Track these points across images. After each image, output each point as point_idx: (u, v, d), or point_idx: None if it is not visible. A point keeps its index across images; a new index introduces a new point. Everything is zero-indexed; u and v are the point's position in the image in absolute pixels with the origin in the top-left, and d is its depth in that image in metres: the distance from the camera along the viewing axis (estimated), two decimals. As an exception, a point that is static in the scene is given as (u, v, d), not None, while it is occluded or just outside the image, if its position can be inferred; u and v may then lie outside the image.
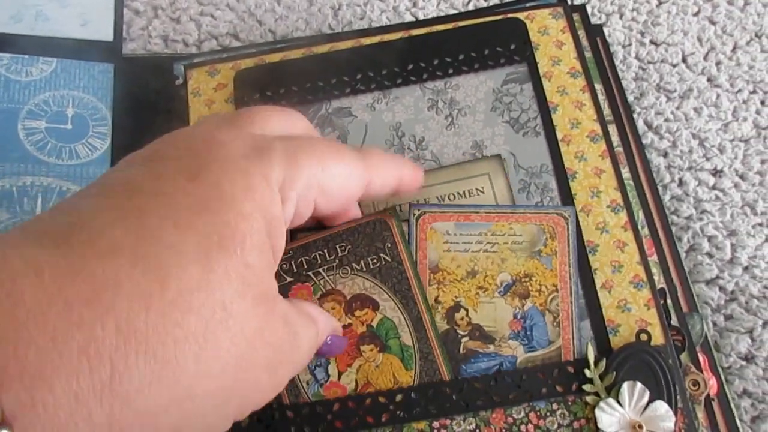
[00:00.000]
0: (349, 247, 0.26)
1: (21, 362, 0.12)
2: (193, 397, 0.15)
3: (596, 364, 0.25)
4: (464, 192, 0.28)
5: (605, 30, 0.36)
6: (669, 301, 0.27)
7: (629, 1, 0.38)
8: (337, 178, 0.20)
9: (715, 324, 0.30)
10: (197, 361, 0.14)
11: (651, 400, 0.24)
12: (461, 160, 0.29)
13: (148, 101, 0.33)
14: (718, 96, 0.35)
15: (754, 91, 0.35)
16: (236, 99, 0.32)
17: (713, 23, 0.37)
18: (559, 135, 0.29)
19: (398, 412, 0.25)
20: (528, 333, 0.26)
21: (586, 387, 0.25)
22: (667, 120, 0.34)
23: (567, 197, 0.28)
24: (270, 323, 0.17)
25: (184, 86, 0.32)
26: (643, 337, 0.25)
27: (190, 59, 0.33)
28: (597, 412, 0.24)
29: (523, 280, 0.26)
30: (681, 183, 0.33)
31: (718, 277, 0.31)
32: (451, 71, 0.31)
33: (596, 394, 0.24)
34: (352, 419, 0.25)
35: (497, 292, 0.26)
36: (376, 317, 0.26)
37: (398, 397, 0.25)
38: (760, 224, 0.32)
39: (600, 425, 0.24)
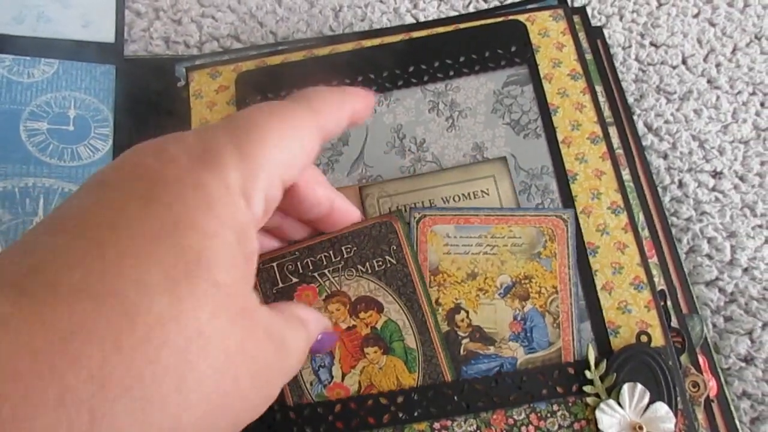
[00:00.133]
0: (355, 249, 0.26)
1: None
2: (181, 427, 0.14)
3: (597, 365, 0.25)
4: (469, 194, 0.28)
5: (605, 32, 0.36)
6: (669, 303, 0.27)
7: (629, 3, 0.38)
8: (294, 149, 0.19)
9: (714, 325, 0.30)
10: (179, 392, 0.14)
11: (651, 402, 0.24)
12: (462, 161, 0.29)
13: (150, 102, 0.33)
14: (717, 98, 0.35)
15: (753, 93, 0.35)
16: (238, 101, 0.32)
17: (713, 25, 0.37)
18: (560, 137, 0.29)
19: (399, 414, 0.25)
20: (528, 334, 0.26)
21: (587, 388, 0.25)
22: (667, 122, 0.35)
23: (567, 199, 0.28)
24: (251, 337, 0.16)
25: (186, 88, 0.32)
26: (644, 338, 0.25)
27: (191, 61, 0.33)
28: (597, 413, 0.24)
29: (522, 282, 0.27)
30: (681, 184, 0.33)
31: (717, 278, 0.31)
32: (451, 73, 0.31)
33: (597, 395, 0.25)
34: (353, 420, 0.25)
35: (497, 294, 0.26)
36: (381, 319, 0.26)
37: (399, 399, 0.25)
38: (760, 226, 0.32)
39: (600, 426, 0.24)
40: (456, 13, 0.37)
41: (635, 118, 0.34)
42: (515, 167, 0.29)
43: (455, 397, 0.25)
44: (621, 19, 0.37)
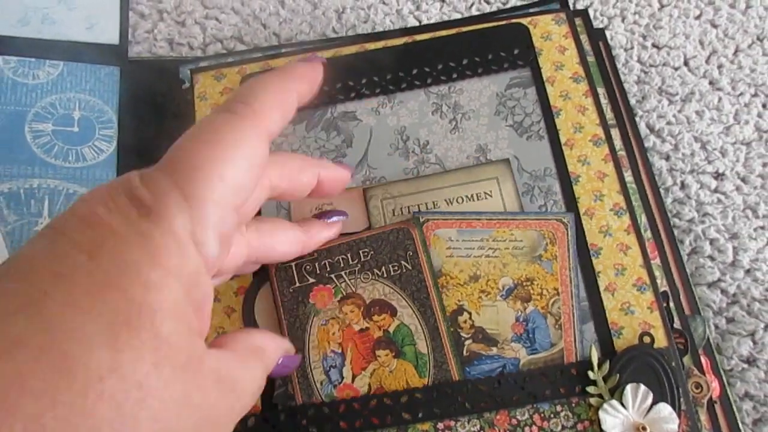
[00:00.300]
0: (372, 253, 0.26)
1: None
2: None
3: (600, 366, 0.25)
4: (472, 195, 0.28)
5: (607, 33, 0.36)
6: (671, 304, 0.27)
7: (631, 5, 0.38)
8: (241, 170, 0.18)
9: (716, 327, 0.30)
10: None
11: (654, 402, 0.24)
12: (465, 163, 0.29)
13: (154, 104, 0.33)
14: (719, 99, 0.35)
15: (755, 95, 0.35)
16: (241, 102, 0.32)
17: (715, 26, 0.37)
18: (563, 139, 0.29)
19: (403, 414, 0.25)
20: (530, 335, 0.26)
21: (590, 389, 0.25)
22: (669, 123, 0.35)
23: (570, 201, 0.28)
24: (197, 386, 0.16)
25: (190, 90, 0.33)
26: (647, 339, 0.25)
27: (195, 62, 0.34)
28: (600, 413, 0.24)
29: (524, 283, 0.27)
30: (683, 186, 0.33)
31: (719, 280, 0.31)
32: (455, 76, 0.31)
33: (600, 396, 0.25)
34: (357, 420, 0.25)
35: (499, 296, 0.27)
36: (394, 323, 0.26)
37: (403, 399, 0.25)
38: (762, 227, 0.32)
39: (604, 427, 0.24)
40: (459, 16, 0.38)
41: (637, 119, 0.35)
42: (518, 169, 0.29)
43: (459, 398, 0.25)
44: (623, 20, 0.37)
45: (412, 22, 0.38)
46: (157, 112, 0.33)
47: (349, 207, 0.29)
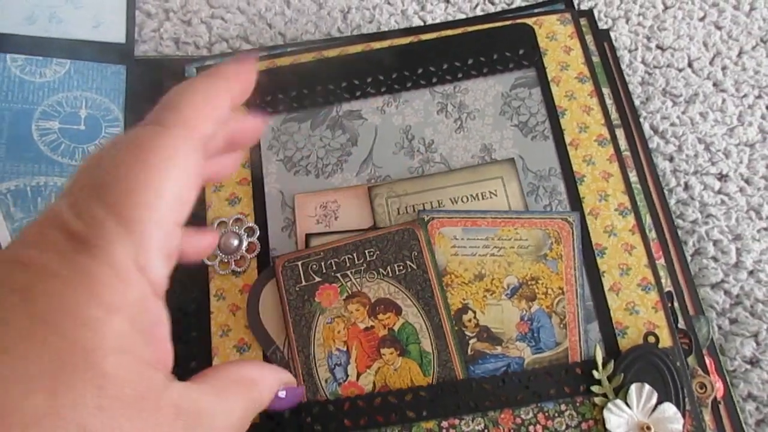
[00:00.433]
0: (378, 252, 0.27)
1: None
2: None
3: (604, 365, 0.25)
4: (477, 195, 0.28)
5: (611, 34, 0.36)
6: (676, 304, 0.27)
7: (635, 6, 0.38)
8: (179, 184, 0.17)
9: (720, 328, 0.30)
10: None
11: (659, 402, 0.24)
12: (470, 163, 0.29)
13: (160, 103, 0.33)
14: (723, 101, 0.35)
15: (759, 96, 0.35)
16: (248, 102, 0.32)
17: (719, 28, 0.37)
18: (567, 139, 0.29)
19: (408, 412, 0.25)
20: (535, 335, 0.26)
21: (595, 388, 0.25)
22: (672, 124, 0.35)
23: (575, 200, 0.28)
24: (155, 422, 0.15)
25: (195, 88, 0.33)
26: (651, 339, 0.26)
27: (201, 61, 0.34)
28: (605, 413, 0.24)
29: (529, 283, 0.27)
30: (686, 187, 0.33)
31: (723, 280, 0.31)
32: (460, 75, 0.31)
33: (604, 395, 0.25)
34: (362, 418, 0.25)
35: (504, 295, 0.27)
36: (398, 322, 0.26)
37: (407, 397, 0.25)
38: (766, 229, 0.32)
39: (608, 426, 0.24)
40: (463, 16, 0.38)
41: (641, 120, 0.35)
42: (523, 169, 0.29)
43: (463, 396, 0.25)
44: (627, 22, 0.38)
45: (417, 23, 0.38)
46: (163, 111, 0.33)
47: (354, 205, 0.29)
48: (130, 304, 0.16)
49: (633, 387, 0.24)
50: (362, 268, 0.27)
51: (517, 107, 0.31)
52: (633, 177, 0.29)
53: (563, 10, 0.33)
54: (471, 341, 0.26)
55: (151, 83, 0.34)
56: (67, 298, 0.15)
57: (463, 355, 0.26)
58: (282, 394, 0.21)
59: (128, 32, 0.35)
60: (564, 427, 0.24)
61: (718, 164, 0.34)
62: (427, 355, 0.26)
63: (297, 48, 0.34)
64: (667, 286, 0.27)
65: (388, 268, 0.27)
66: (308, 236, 0.28)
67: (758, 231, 0.32)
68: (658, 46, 0.37)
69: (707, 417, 0.25)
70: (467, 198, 0.29)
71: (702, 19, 0.37)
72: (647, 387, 0.24)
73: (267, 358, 0.26)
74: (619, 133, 0.30)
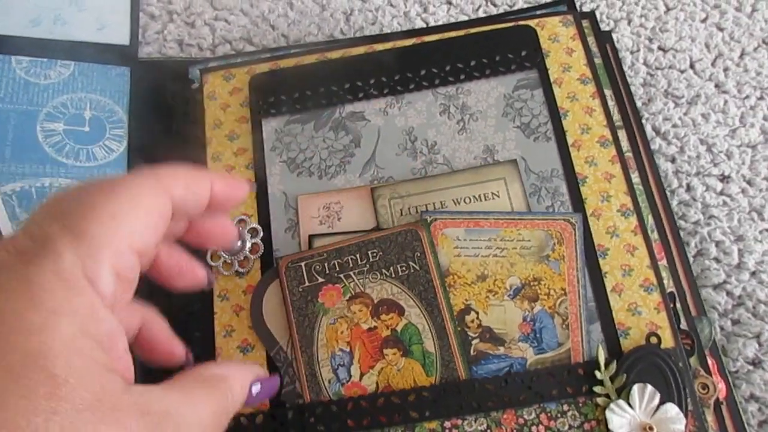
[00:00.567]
0: (381, 253, 0.27)
1: None
2: None
3: (607, 366, 0.25)
4: (480, 196, 0.29)
5: (613, 36, 0.37)
6: (678, 305, 0.27)
7: (637, 8, 0.38)
8: (139, 214, 0.18)
9: (722, 329, 0.30)
10: None
11: (661, 403, 0.24)
12: (473, 164, 0.30)
13: (164, 104, 0.33)
14: (725, 102, 0.35)
15: (761, 98, 0.35)
16: (251, 103, 0.32)
17: (721, 30, 0.37)
18: (570, 140, 0.30)
19: (410, 412, 0.25)
20: (537, 335, 0.26)
21: (597, 389, 0.25)
22: (674, 126, 0.35)
23: (577, 201, 0.28)
24: (117, 422, 0.15)
25: (200, 90, 0.33)
26: (653, 340, 0.26)
27: (205, 63, 0.34)
28: (607, 413, 0.24)
29: (532, 283, 0.27)
30: (689, 188, 0.33)
31: (725, 282, 0.31)
32: (462, 77, 0.31)
33: (607, 395, 0.25)
34: (365, 418, 0.25)
35: (507, 296, 0.27)
36: (401, 322, 0.26)
37: (410, 397, 0.25)
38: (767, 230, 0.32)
39: (610, 427, 0.24)
40: (466, 18, 0.38)
41: (643, 122, 0.35)
42: (525, 170, 0.29)
43: (466, 397, 0.25)
44: (629, 23, 0.38)
45: (420, 25, 0.38)
46: (166, 112, 0.33)
47: (357, 206, 0.29)
48: (76, 310, 0.16)
49: (635, 387, 0.24)
50: (365, 268, 0.27)
51: (519, 108, 0.31)
52: (635, 178, 0.29)
53: (565, 12, 0.33)
54: (474, 342, 0.26)
55: (155, 85, 0.34)
56: (8, 306, 0.15)
57: (466, 355, 0.26)
58: (256, 389, 0.21)
59: (132, 34, 0.35)
60: (566, 427, 0.25)
61: (720, 165, 0.34)
62: (430, 355, 0.26)
63: (300, 50, 0.34)
64: (670, 287, 0.27)
65: (391, 268, 0.27)
66: (311, 237, 0.29)
67: (760, 232, 0.32)
68: (659, 48, 0.37)
69: (710, 418, 0.25)
70: (470, 199, 0.29)
71: (704, 21, 0.38)
72: (650, 387, 0.24)
73: (270, 359, 0.27)
74: (621, 135, 0.30)
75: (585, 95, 0.30)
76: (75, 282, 0.16)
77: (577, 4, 0.37)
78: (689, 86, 0.36)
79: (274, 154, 0.31)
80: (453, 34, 0.33)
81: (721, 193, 0.33)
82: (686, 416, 0.24)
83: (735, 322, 0.30)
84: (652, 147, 0.34)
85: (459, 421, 0.25)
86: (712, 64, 0.36)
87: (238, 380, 0.20)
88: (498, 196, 0.29)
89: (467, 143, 0.30)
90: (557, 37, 0.32)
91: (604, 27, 0.37)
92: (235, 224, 0.29)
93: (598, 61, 0.32)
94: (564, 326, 0.26)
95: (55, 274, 0.16)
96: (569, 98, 0.30)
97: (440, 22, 0.37)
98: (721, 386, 0.26)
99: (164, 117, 0.33)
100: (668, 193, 0.33)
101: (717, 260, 0.31)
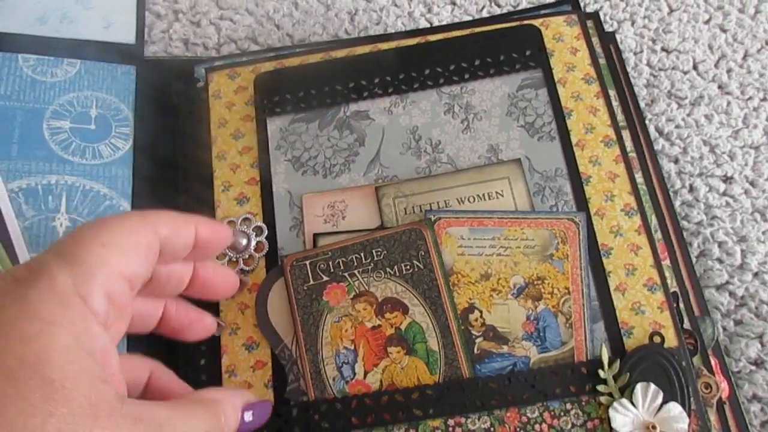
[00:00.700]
0: (385, 252, 0.27)
1: None
2: None
3: (610, 365, 0.25)
4: (484, 195, 0.29)
5: (617, 37, 0.37)
6: (681, 305, 0.27)
7: (641, 9, 0.38)
8: (130, 245, 0.20)
9: (725, 329, 0.30)
10: None
11: (664, 402, 0.24)
12: (477, 163, 0.30)
13: (169, 103, 0.33)
14: (728, 103, 0.35)
15: (764, 99, 0.35)
16: (256, 102, 0.32)
17: (724, 31, 0.37)
18: (574, 140, 0.30)
19: (414, 410, 0.25)
20: (541, 334, 0.26)
21: (600, 387, 0.25)
22: (678, 126, 0.35)
23: (581, 201, 0.28)
24: (112, 427, 0.16)
25: (205, 89, 0.33)
26: (657, 339, 0.26)
27: (210, 62, 0.34)
28: (611, 412, 0.24)
29: (535, 282, 0.27)
30: (692, 189, 0.33)
31: (728, 282, 0.31)
32: (467, 76, 0.31)
33: (610, 394, 0.25)
34: (369, 416, 0.25)
35: (510, 294, 0.27)
36: (405, 321, 0.26)
37: (414, 395, 0.25)
38: (771, 230, 0.32)
39: (614, 425, 0.24)
40: (470, 18, 0.38)
41: (646, 122, 0.35)
42: (529, 169, 0.29)
43: (469, 395, 0.25)
44: (633, 24, 0.38)
45: (424, 25, 0.38)
46: (172, 111, 0.33)
47: (361, 205, 0.29)
48: (71, 322, 0.17)
49: (638, 386, 0.25)
50: (369, 267, 0.27)
51: (523, 108, 0.31)
52: (639, 177, 0.29)
53: (570, 12, 0.33)
54: (477, 340, 0.26)
55: (161, 83, 0.34)
56: (5, 318, 0.16)
57: (470, 354, 0.26)
58: (248, 416, 0.22)
59: (138, 33, 0.35)
60: (570, 425, 0.25)
61: (723, 166, 0.34)
62: (434, 353, 0.26)
63: (305, 49, 0.34)
64: (673, 286, 0.27)
65: (395, 267, 0.27)
66: (316, 236, 0.29)
67: (763, 233, 0.32)
68: (663, 49, 0.37)
69: (712, 417, 0.25)
70: (474, 198, 0.29)
71: (707, 22, 0.38)
72: (653, 386, 0.24)
73: (275, 356, 0.27)
74: (625, 135, 0.30)
75: (589, 95, 0.31)
76: (68, 298, 0.17)
77: (581, 5, 0.37)
78: (692, 87, 0.36)
79: (279, 153, 0.31)
80: (457, 33, 0.33)
81: (724, 194, 0.33)
82: (689, 415, 0.24)
83: (738, 323, 0.30)
84: (656, 147, 0.34)
85: (462, 419, 0.25)
86: (716, 66, 0.36)
87: (230, 403, 0.21)
88: (502, 196, 0.29)
89: (471, 142, 0.30)
90: (561, 36, 0.32)
91: (607, 28, 0.37)
92: (239, 222, 0.30)
93: (602, 61, 0.32)
94: (567, 325, 0.26)
95: (49, 291, 0.17)
96: (573, 98, 0.31)
97: (444, 22, 0.38)
98: (724, 386, 0.26)
99: (169, 115, 0.33)
100: (671, 194, 0.33)
101: (720, 261, 0.31)
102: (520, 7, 0.38)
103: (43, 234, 0.30)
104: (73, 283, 0.18)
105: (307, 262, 0.27)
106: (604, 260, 0.27)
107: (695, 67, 0.36)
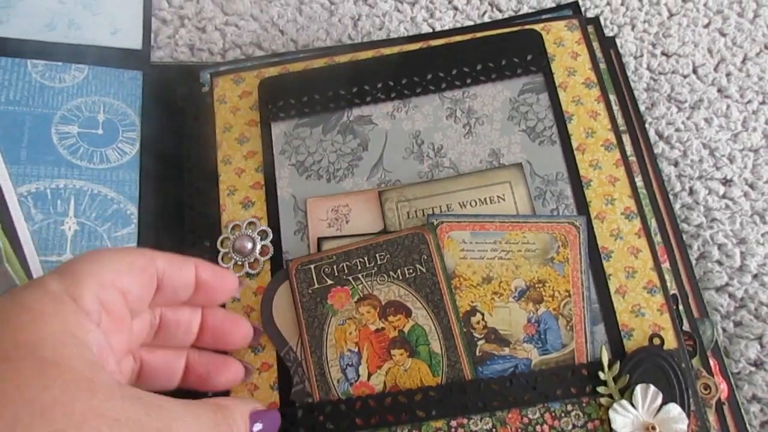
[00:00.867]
0: (388, 256, 0.27)
1: None
2: None
3: (610, 366, 0.26)
4: (485, 199, 0.29)
5: (617, 41, 0.37)
6: (681, 307, 0.27)
7: (641, 13, 0.38)
8: (122, 264, 0.21)
9: (724, 330, 0.30)
10: None
11: (664, 403, 0.25)
12: (479, 167, 0.30)
13: (175, 107, 0.34)
14: (728, 106, 0.36)
15: (763, 102, 0.36)
16: (261, 106, 0.33)
17: (723, 35, 0.38)
18: (574, 144, 0.30)
19: (417, 411, 0.25)
20: (542, 336, 0.26)
21: (600, 389, 0.25)
22: (677, 130, 0.35)
23: (582, 205, 0.29)
24: (111, 401, 0.17)
25: (210, 93, 0.33)
26: (656, 341, 0.26)
27: (215, 67, 0.35)
28: (611, 413, 0.25)
29: (536, 285, 0.27)
30: (691, 192, 0.34)
31: (727, 284, 0.31)
32: (469, 81, 0.32)
33: (610, 396, 0.25)
34: (372, 417, 0.25)
35: (512, 297, 0.27)
36: (408, 323, 0.27)
37: (417, 397, 0.26)
38: (770, 233, 0.32)
39: (614, 426, 0.25)
40: (471, 23, 0.38)
41: (646, 126, 0.35)
42: (531, 173, 0.30)
43: (471, 396, 0.25)
44: (633, 28, 0.38)
45: (426, 30, 0.38)
46: (178, 115, 0.34)
47: (364, 209, 0.30)
48: (62, 314, 0.18)
49: (638, 388, 0.25)
50: (373, 271, 0.27)
51: (524, 112, 0.31)
52: (639, 181, 0.30)
53: (570, 17, 0.34)
54: (479, 342, 0.27)
55: (167, 88, 0.35)
56: (3, 315, 0.18)
57: (472, 356, 0.26)
58: (258, 427, 0.22)
59: (144, 39, 0.36)
60: (570, 426, 0.25)
61: (722, 169, 0.34)
62: (437, 356, 0.26)
63: (308, 54, 0.35)
64: (672, 289, 0.28)
65: (399, 271, 0.27)
66: (320, 240, 0.29)
67: (762, 235, 0.32)
68: (663, 53, 0.37)
69: (711, 418, 0.25)
70: (476, 202, 0.29)
71: (706, 26, 0.38)
72: (652, 388, 0.25)
73: (281, 359, 0.27)
74: (625, 139, 0.31)
75: (590, 99, 0.31)
76: (60, 297, 0.19)
77: (581, 10, 0.37)
78: (692, 91, 0.36)
79: (283, 158, 0.31)
80: (459, 38, 0.33)
81: (724, 196, 0.34)
82: (688, 416, 0.24)
83: (737, 324, 0.31)
84: (656, 151, 0.34)
85: (465, 420, 0.25)
86: (715, 69, 0.37)
87: (238, 410, 0.22)
88: (503, 200, 0.29)
89: (473, 147, 0.31)
90: (562, 41, 0.32)
91: (608, 32, 0.38)
92: (244, 226, 0.30)
93: (602, 66, 0.32)
94: (568, 327, 0.27)
95: (41, 292, 0.19)
96: (574, 102, 0.31)
97: (446, 27, 0.38)
98: (723, 387, 0.26)
99: (175, 120, 0.34)
100: (671, 197, 0.33)
101: (719, 263, 0.32)
102: (521, 12, 0.38)
103: (52, 237, 0.30)
104: (64, 288, 0.19)
105: (312, 266, 0.28)
106: (605, 263, 0.28)
107: (695, 71, 0.37)
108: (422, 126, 0.31)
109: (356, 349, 0.27)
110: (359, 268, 0.27)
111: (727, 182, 0.34)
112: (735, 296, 0.31)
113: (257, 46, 0.38)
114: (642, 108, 0.36)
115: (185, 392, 0.24)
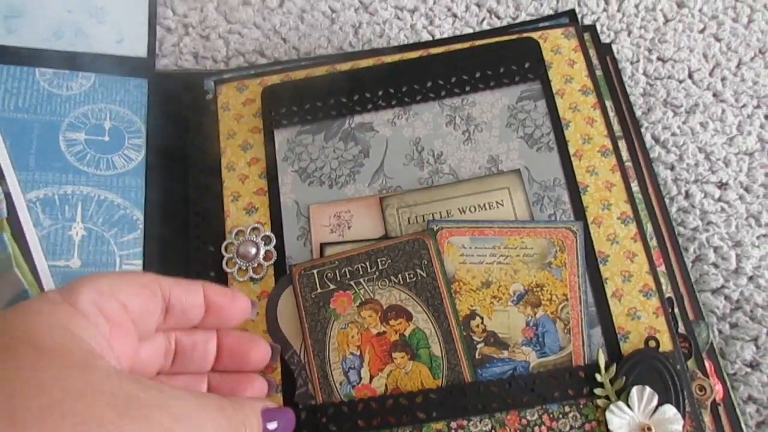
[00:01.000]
0: (389, 261, 0.28)
1: None
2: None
3: (607, 369, 0.26)
4: (484, 205, 0.30)
5: (614, 47, 0.37)
6: (676, 310, 0.28)
7: (637, 19, 0.39)
8: (123, 280, 0.21)
9: (720, 332, 0.31)
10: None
11: (659, 404, 0.25)
12: (478, 173, 0.31)
13: (180, 114, 0.35)
14: (723, 111, 0.36)
15: (758, 106, 0.36)
16: (263, 113, 0.33)
17: (718, 40, 0.38)
18: (572, 150, 0.31)
19: (418, 413, 0.26)
20: (540, 339, 0.27)
21: (597, 391, 0.26)
22: (673, 134, 0.36)
23: (579, 210, 0.29)
24: (106, 380, 0.17)
25: (214, 101, 0.34)
26: (652, 343, 0.27)
27: (219, 75, 0.35)
28: (607, 414, 0.25)
29: (534, 290, 0.28)
30: (687, 195, 0.34)
31: (723, 286, 0.32)
32: (468, 88, 0.32)
33: (607, 397, 0.26)
34: (374, 419, 0.26)
35: (510, 301, 0.28)
36: (409, 327, 0.27)
37: (418, 399, 0.26)
38: (765, 235, 0.33)
39: (610, 427, 0.25)
40: (470, 30, 0.39)
41: (643, 131, 0.36)
42: (529, 179, 0.30)
43: (471, 398, 0.26)
44: (629, 34, 0.39)
45: (426, 37, 0.39)
46: (182, 122, 0.34)
47: (366, 215, 0.30)
48: (58, 313, 0.19)
49: (634, 389, 0.25)
50: (375, 276, 0.28)
51: (522, 119, 0.32)
52: (635, 186, 0.30)
53: (567, 24, 0.34)
54: (479, 346, 0.27)
55: (172, 96, 0.35)
56: (4, 315, 0.19)
57: (471, 359, 0.27)
58: (272, 425, 0.22)
59: (149, 47, 0.36)
60: (568, 428, 0.25)
61: (718, 173, 0.35)
62: (437, 359, 0.27)
63: (310, 62, 0.35)
64: (668, 292, 0.28)
65: (400, 276, 0.28)
66: (323, 245, 0.30)
67: (757, 237, 0.33)
68: (659, 58, 0.38)
69: (707, 418, 0.26)
70: (475, 208, 0.30)
71: (702, 32, 0.38)
72: (648, 389, 0.25)
73: (285, 362, 0.28)
74: (621, 144, 0.31)
75: (586, 106, 0.31)
76: (56, 301, 0.19)
77: (578, 16, 0.37)
78: (688, 96, 0.37)
79: (286, 164, 0.32)
80: (458, 46, 0.34)
81: (719, 199, 0.34)
82: (684, 417, 0.25)
83: (733, 326, 0.31)
84: (652, 155, 0.35)
85: (464, 422, 0.26)
86: (710, 74, 0.37)
87: (248, 403, 0.22)
88: (502, 205, 0.30)
89: (472, 153, 0.31)
90: (559, 48, 0.33)
91: (604, 39, 0.38)
92: (248, 232, 0.31)
93: (598, 73, 0.33)
94: (565, 331, 0.27)
95: (40, 300, 0.20)
96: (571, 109, 0.31)
97: (446, 35, 0.39)
98: (718, 388, 0.27)
99: (180, 127, 0.34)
100: (667, 200, 0.34)
101: (715, 265, 0.32)
102: (519, 20, 0.39)
103: (60, 242, 0.31)
104: (63, 297, 0.20)
105: (315, 271, 0.28)
106: (601, 267, 0.28)
107: (690, 76, 0.37)
108: (422, 133, 0.32)
109: (358, 353, 0.27)
110: (361, 272, 0.28)
111: (722, 186, 0.34)
112: (731, 298, 0.32)
113: (260, 54, 0.39)
114: (638, 113, 0.36)
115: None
